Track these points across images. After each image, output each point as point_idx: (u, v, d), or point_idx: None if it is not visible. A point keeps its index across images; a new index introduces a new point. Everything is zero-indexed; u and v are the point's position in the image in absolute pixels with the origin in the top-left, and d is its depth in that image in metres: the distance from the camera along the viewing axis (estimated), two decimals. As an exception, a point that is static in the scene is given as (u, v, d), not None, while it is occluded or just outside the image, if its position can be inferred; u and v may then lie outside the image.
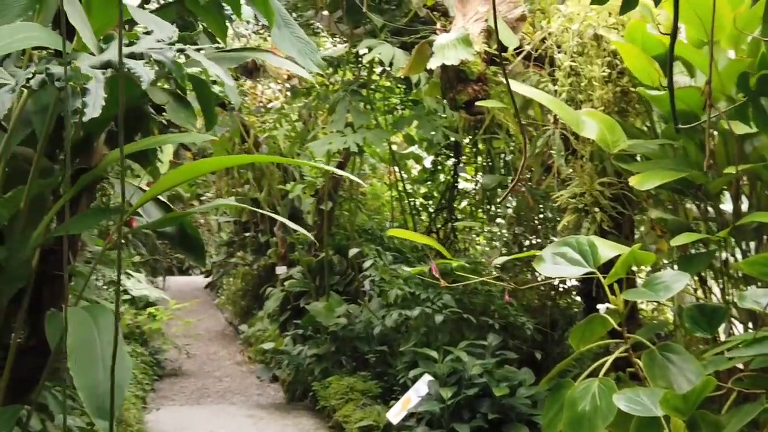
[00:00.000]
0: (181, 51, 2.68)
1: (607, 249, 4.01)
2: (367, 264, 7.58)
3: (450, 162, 9.52)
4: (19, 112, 3.34)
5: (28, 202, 3.48)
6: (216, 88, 5.37)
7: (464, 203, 9.78)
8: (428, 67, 5.77)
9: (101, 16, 3.14)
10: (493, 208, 8.45)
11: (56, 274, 3.73)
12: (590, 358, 4.86)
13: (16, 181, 3.68)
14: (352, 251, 8.04)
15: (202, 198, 15.80)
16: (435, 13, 6.77)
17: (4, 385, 3.52)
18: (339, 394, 7.52)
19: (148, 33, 2.85)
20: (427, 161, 10.10)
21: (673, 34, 2.67)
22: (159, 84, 4.78)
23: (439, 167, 9.74)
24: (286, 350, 8.63)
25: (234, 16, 5.45)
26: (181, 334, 11.63)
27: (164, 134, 4.45)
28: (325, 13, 8.76)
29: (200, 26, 4.86)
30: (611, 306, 3.86)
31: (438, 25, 6.40)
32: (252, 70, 11.21)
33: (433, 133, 7.73)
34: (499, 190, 8.39)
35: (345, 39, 8.84)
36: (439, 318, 6.69)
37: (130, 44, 2.73)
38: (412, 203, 10.20)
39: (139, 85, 2.59)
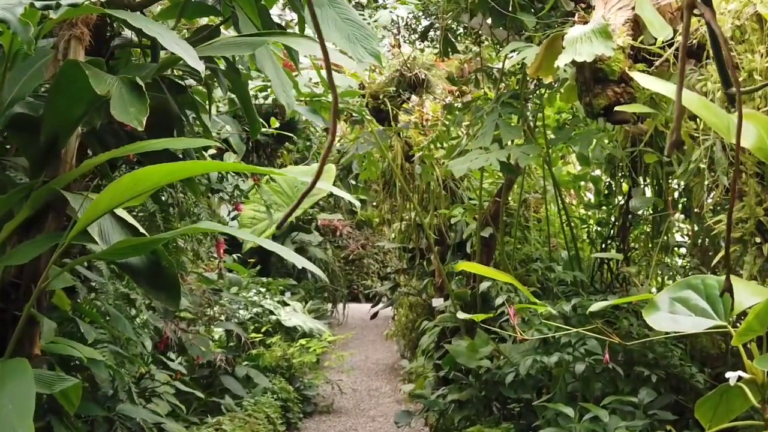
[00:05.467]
0: (47, 6, 1.91)
1: (746, 294, 2.93)
2: (499, 301, 6.53)
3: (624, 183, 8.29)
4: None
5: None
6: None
7: (648, 229, 8.49)
8: (556, 65, 4.80)
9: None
10: (666, 236, 7.20)
11: (27, 314, 3.05)
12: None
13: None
14: (483, 284, 7.03)
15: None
16: (581, 4, 5.75)
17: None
18: (476, 449, 6.54)
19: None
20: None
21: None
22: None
23: (615, 189, 8.53)
24: (423, 394, 7.73)
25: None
26: (346, 367, 10.98)
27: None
28: (489, 20, 7.90)
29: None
30: (744, 375, 2.78)
31: (576, 17, 5.39)
32: (415, 85, 10.48)
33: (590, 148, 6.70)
34: (680, 215, 7.22)
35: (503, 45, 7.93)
36: (580, 367, 5.56)
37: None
38: (587, 230, 9.11)
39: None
